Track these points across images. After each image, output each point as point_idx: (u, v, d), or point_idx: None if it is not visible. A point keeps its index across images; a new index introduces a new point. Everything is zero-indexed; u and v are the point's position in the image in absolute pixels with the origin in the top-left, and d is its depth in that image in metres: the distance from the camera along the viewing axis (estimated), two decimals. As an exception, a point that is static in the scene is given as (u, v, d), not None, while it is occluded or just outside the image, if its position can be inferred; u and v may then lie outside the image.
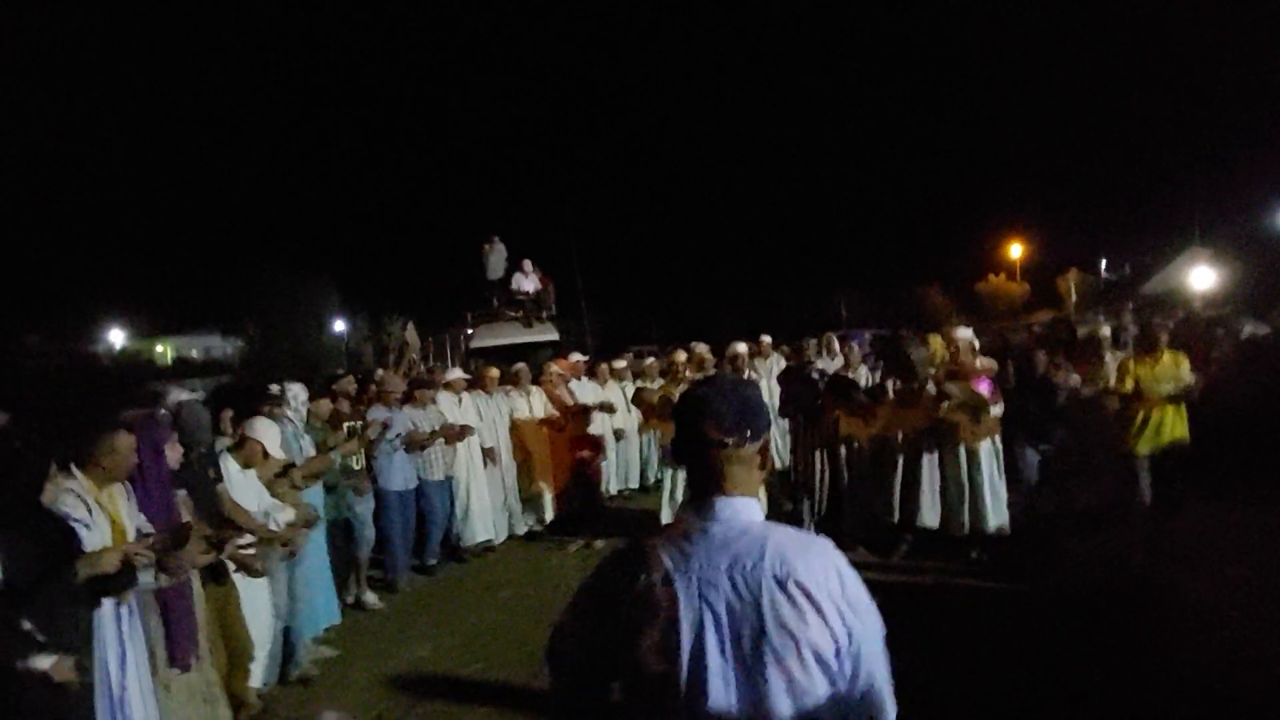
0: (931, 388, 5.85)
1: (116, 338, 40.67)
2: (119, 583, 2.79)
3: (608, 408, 8.62)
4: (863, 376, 6.38)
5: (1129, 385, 5.54)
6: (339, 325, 36.47)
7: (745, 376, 7.97)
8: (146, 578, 2.87)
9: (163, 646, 3.38)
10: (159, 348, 43.29)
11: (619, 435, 9.02)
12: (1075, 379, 5.93)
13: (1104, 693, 3.86)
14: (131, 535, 3.04)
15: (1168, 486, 5.56)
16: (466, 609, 5.89)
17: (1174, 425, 5.50)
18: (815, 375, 6.35)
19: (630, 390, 9.19)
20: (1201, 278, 20.52)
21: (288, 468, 4.78)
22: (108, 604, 2.93)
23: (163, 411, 4.04)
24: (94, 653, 2.86)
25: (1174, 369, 5.53)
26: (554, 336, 13.27)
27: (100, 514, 2.95)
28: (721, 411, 1.45)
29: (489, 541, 7.29)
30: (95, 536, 2.93)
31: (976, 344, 6.20)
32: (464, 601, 6.08)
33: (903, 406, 6.09)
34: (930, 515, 5.91)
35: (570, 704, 1.56)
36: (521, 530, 7.70)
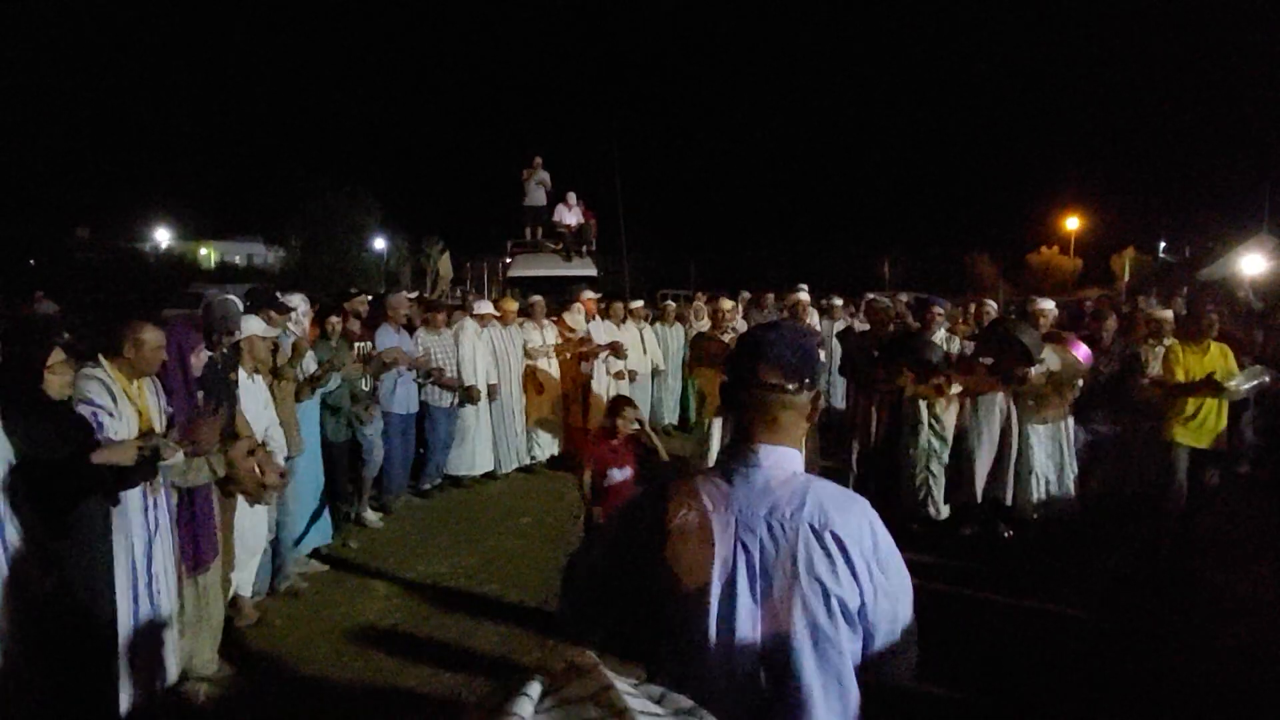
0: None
1: (162, 237, 41.32)
2: (140, 474, 2.81)
3: (619, 352, 8.44)
4: (939, 340, 6.13)
5: (1181, 375, 5.36)
6: (379, 244, 36.70)
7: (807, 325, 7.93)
8: (175, 458, 2.86)
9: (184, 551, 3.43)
10: (203, 250, 43.88)
11: (632, 376, 8.90)
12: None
13: (1119, 680, 3.83)
14: (160, 430, 3.07)
15: (1203, 478, 5.42)
16: (486, 532, 5.99)
17: (1216, 417, 5.35)
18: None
19: (646, 332, 9.26)
20: (1253, 264, 19.66)
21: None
22: (134, 495, 2.96)
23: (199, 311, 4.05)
24: (115, 543, 2.90)
25: (1221, 360, 5.35)
26: (593, 272, 13.19)
27: (127, 405, 2.95)
28: (782, 355, 1.45)
29: (489, 471, 7.36)
30: (120, 426, 2.94)
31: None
32: (484, 525, 6.19)
33: (1003, 381, 5.63)
34: (1009, 494, 5.76)
35: (575, 625, 1.60)
36: (526, 461, 7.75)
